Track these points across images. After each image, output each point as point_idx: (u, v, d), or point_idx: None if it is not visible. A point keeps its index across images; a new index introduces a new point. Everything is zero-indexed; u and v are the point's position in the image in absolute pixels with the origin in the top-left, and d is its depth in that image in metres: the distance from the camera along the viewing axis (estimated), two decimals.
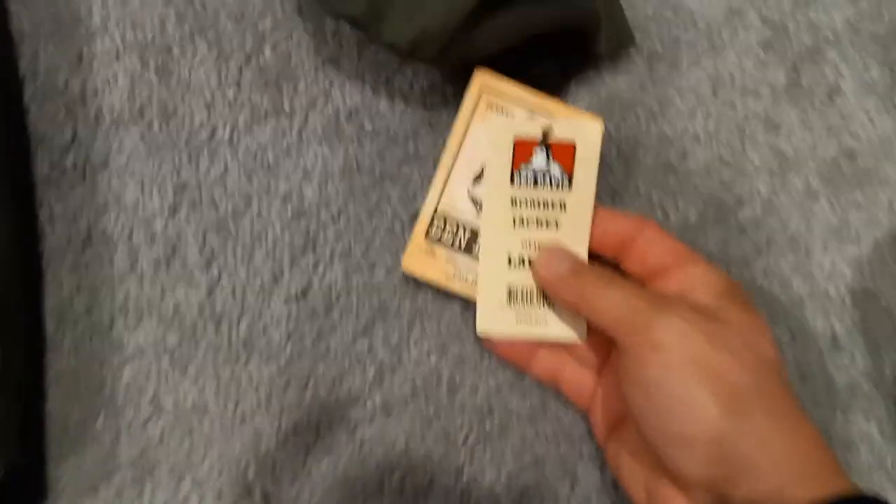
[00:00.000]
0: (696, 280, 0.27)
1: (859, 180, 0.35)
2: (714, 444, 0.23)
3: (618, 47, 0.33)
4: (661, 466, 0.25)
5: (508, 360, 0.31)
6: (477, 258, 0.29)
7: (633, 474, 0.27)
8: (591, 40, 0.31)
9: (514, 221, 0.29)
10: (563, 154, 0.29)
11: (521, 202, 0.29)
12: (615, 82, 0.34)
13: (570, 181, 0.29)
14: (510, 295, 0.28)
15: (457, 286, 0.29)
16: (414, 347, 0.31)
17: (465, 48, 0.28)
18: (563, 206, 0.29)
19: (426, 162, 0.33)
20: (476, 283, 0.29)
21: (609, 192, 0.34)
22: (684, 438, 0.24)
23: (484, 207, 0.29)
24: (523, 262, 0.29)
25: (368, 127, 0.32)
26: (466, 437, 0.31)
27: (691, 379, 0.24)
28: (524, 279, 0.29)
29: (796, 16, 0.36)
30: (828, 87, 0.35)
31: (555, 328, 0.29)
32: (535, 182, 0.29)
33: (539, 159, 0.29)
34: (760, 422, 0.24)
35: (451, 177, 0.30)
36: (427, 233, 0.30)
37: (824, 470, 0.24)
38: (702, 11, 0.35)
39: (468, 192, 0.30)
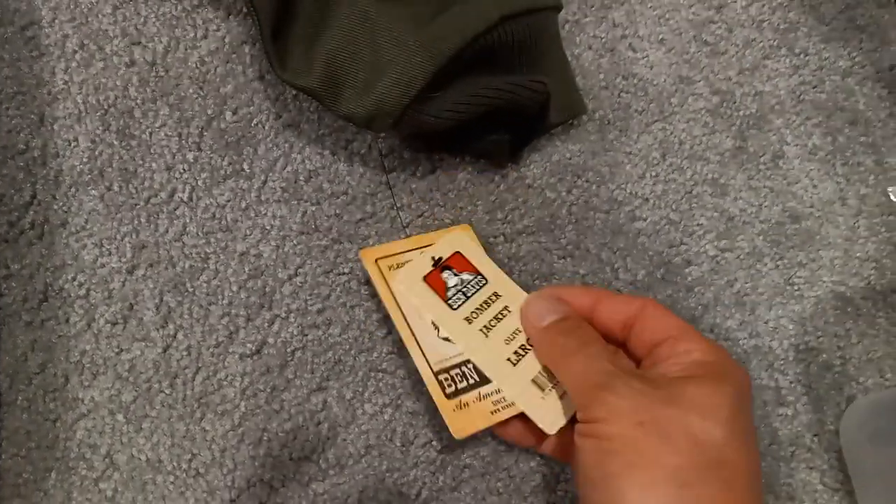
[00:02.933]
0: (672, 355, 0.33)
1: (803, 241, 0.44)
2: None
3: (570, 117, 0.43)
4: None
5: (519, 444, 0.38)
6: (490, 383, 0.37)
7: None
8: (543, 112, 0.41)
9: (484, 331, 0.37)
10: (459, 263, 0.39)
11: (472, 316, 0.38)
12: (567, 148, 0.44)
13: (482, 277, 0.39)
14: (539, 386, 0.36)
15: (505, 414, 0.36)
16: (368, 403, 0.39)
17: (419, 121, 0.37)
18: (496, 294, 0.39)
19: (383, 221, 0.41)
20: (514, 401, 0.36)
21: (561, 253, 0.42)
22: (587, 500, 0.30)
23: (456, 342, 0.37)
24: (518, 354, 0.37)
25: (327, 188, 0.41)
26: (419, 493, 0.38)
27: (613, 458, 0.30)
28: (535, 364, 0.36)
29: (743, 84, 0.46)
30: (773, 153, 0.45)
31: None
32: (465, 295, 0.38)
33: (451, 279, 0.39)
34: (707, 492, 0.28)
35: (418, 338, 0.37)
36: (445, 394, 0.36)
37: None
38: (652, 80, 0.45)
39: (438, 338, 0.37)
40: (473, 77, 0.38)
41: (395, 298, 0.38)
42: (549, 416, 0.35)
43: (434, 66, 0.36)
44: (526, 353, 0.37)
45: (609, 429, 0.30)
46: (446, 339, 0.37)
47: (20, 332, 0.38)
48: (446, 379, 0.36)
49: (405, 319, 0.37)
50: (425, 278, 0.38)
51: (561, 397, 0.35)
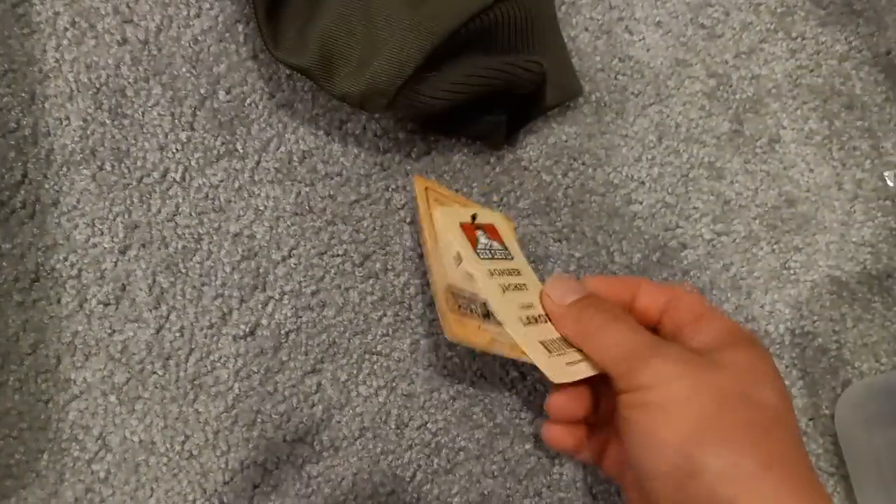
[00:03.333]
0: (704, 328, 0.34)
1: (799, 225, 0.44)
2: (693, 483, 0.29)
3: (566, 99, 0.43)
4: None
5: (561, 449, 0.38)
6: (498, 323, 0.36)
7: None
8: (539, 94, 0.41)
9: (503, 289, 0.37)
10: (493, 232, 0.40)
11: (495, 273, 0.38)
12: (563, 131, 0.44)
13: (509, 252, 0.39)
14: (547, 348, 0.36)
15: (502, 350, 0.35)
16: (362, 385, 0.39)
17: (414, 102, 0.37)
18: (518, 272, 0.39)
19: (378, 203, 0.41)
20: (512, 347, 0.36)
21: (557, 236, 0.43)
22: (662, 475, 0.30)
23: (477, 279, 0.37)
24: (530, 320, 0.36)
25: (321, 169, 0.41)
26: (414, 475, 0.39)
27: (672, 419, 0.30)
28: (545, 333, 0.36)
29: (739, 67, 0.46)
30: (769, 136, 0.46)
31: (591, 362, 0.36)
32: (492, 255, 0.38)
33: (482, 238, 0.39)
34: (745, 464, 0.29)
35: (441, 261, 0.37)
36: (454, 307, 0.35)
37: None
38: (648, 62, 0.46)
39: (457, 269, 0.37)
40: (469, 57, 0.38)
41: (431, 220, 0.38)
42: (554, 369, 0.35)
43: (429, 45, 0.36)
44: (538, 322, 0.37)
45: (663, 394, 0.31)
46: (468, 276, 0.37)
47: (11, 312, 0.38)
48: (456, 300, 0.36)
49: (435, 238, 0.37)
50: (461, 225, 0.38)
51: (568, 364, 0.35)
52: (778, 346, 0.43)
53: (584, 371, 0.35)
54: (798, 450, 0.31)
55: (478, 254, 0.38)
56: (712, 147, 0.45)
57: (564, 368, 0.35)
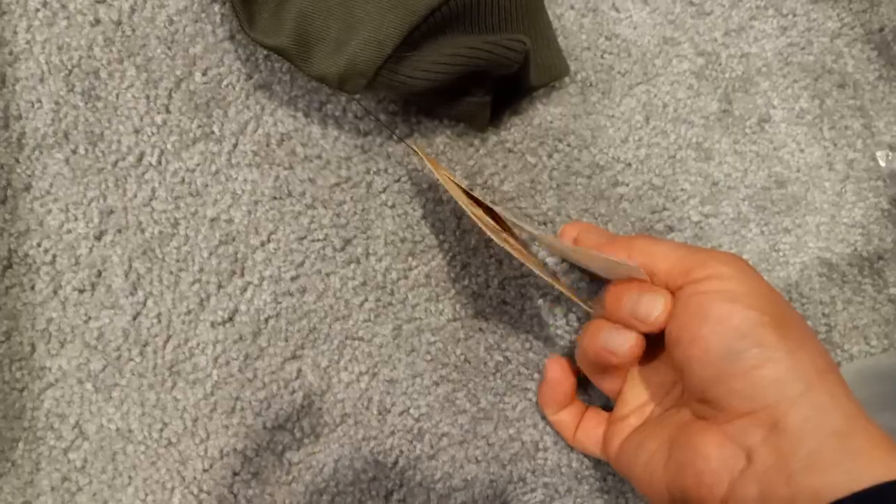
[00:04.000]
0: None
1: (788, 206, 0.44)
2: (775, 357, 0.30)
3: (551, 79, 0.43)
4: (687, 405, 0.34)
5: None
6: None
7: (645, 447, 0.35)
8: (522, 73, 0.41)
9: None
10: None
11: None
12: (548, 111, 0.44)
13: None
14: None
15: (507, 246, 0.36)
16: (344, 371, 0.39)
17: (394, 82, 0.37)
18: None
19: (359, 186, 0.41)
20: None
21: (542, 219, 0.42)
22: (744, 350, 0.30)
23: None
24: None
25: (300, 152, 0.41)
26: (396, 461, 0.39)
27: (754, 304, 0.31)
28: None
29: (728, 45, 0.46)
30: (759, 116, 0.45)
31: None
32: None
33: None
34: (816, 360, 0.30)
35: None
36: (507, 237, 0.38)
37: (888, 435, 0.29)
38: (635, 40, 0.45)
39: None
40: (450, 36, 0.38)
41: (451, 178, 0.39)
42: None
43: (408, 24, 0.35)
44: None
45: (745, 280, 0.32)
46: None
47: None
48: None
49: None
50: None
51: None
52: None
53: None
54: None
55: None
56: (700, 127, 0.45)
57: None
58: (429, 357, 0.40)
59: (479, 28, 0.39)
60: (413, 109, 0.42)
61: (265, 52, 0.41)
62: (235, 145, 0.41)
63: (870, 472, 0.27)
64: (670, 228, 0.43)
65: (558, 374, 0.40)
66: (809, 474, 0.28)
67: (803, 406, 0.29)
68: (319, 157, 0.41)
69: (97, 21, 0.40)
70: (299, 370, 0.39)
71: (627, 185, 0.44)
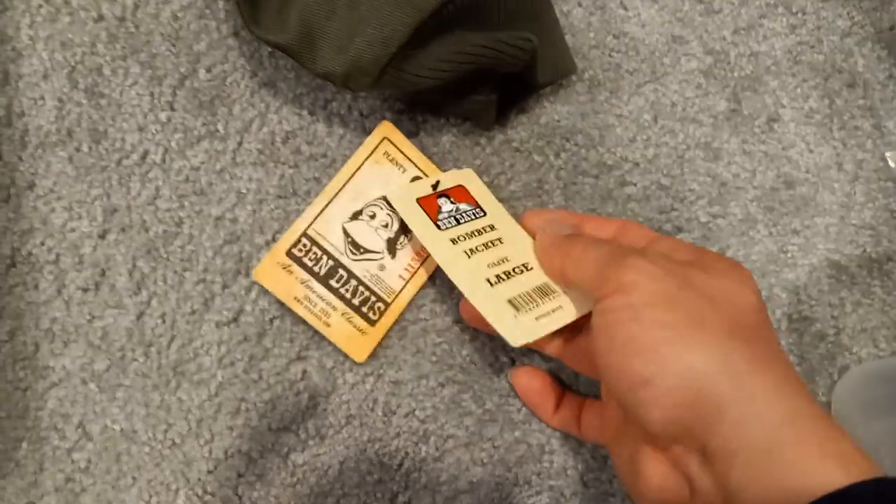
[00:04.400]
0: (662, 247, 0.34)
1: (797, 207, 0.44)
2: (678, 383, 0.28)
3: (559, 78, 0.43)
4: (635, 427, 0.31)
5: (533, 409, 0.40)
6: (332, 288, 0.39)
7: (621, 450, 0.33)
8: (529, 71, 0.40)
9: (467, 253, 0.38)
10: (460, 194, 0.40)
11: (459, 239, 0.38)
12: (555, 110, 0.43)
13: (481, 209, 0.40)
14: (515, 306, 0.36)
15: (301, 310, 0.38)
16: (349, 373, 0.39)
17: (400, 80, 0.36)
18: (491, 227, 0.39)
19: None
20: (344, 316, 0.39)
21: None
22: (646, 379, 0.28)
23: (439, 260, 0.37)
24: (500, 277, 0.37)
25: (305, 150, 0.41)
26: (402, 463, 0.39)
27: (656, 318, 0.29)
28: (516, 288, 0.37)
29: (737, 44, 0.46)
30: (768, 116, 0.45)
31: (570, 307, 0.36)
32: (458, 221, 0.39)
33: (446, 205, 0.39)
34: (735, 362, 0.28)
35: (331, 206, 0.40)
36: (289, 250, 0.39)
37: (830, 434, 0.26)
38: (644, 39, 0.45)
39: (343, 226, 0.40)
40: (456, 34, 0.38)
41: (356, 171, 0.41)
42: (517, 331, 0.35)
43: (414, 21, 0.35)
44: (509, 278, 0.37)
45: (647, 292, 0.30)
46: (346, 235, 0.40)
47: None
48: (305, 247, 0.40)
49: (340, 189, 0.40)
50: (419, 200, 0.39)
51: (536, 319, 0.35)
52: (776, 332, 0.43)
53: (559, 319, 0.36)
54: (781, 352, 0.30)
55: (438, 226, 0.38)
56: (709, 127, 0.45)
57: (532, 325, 0.35)
58: (434, 359, 0.40)
59: (487, 25, 0.39)
60: (419, 107, 0.42)
61: (270, 50, 0.41)
62: (240, 143, 0.41)
63: (803, 486, 0.25)
64: (679, 229, 0.43)
65: (525, 382, 0.40)
66: (745, 496, 0.27)
67: (724, 424, 0.27)
68: (325, 155, 0.41)
69: (100, 17, 0.40)
70: (304, 371, 0.39)
71: (635, 184, 0.43)
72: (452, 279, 0.36)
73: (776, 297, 0.43)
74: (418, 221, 0.38)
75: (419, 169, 0.41)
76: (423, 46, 0.37)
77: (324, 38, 0.36)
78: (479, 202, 0.40)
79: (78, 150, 0.40)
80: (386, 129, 0.41)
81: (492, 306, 0.35)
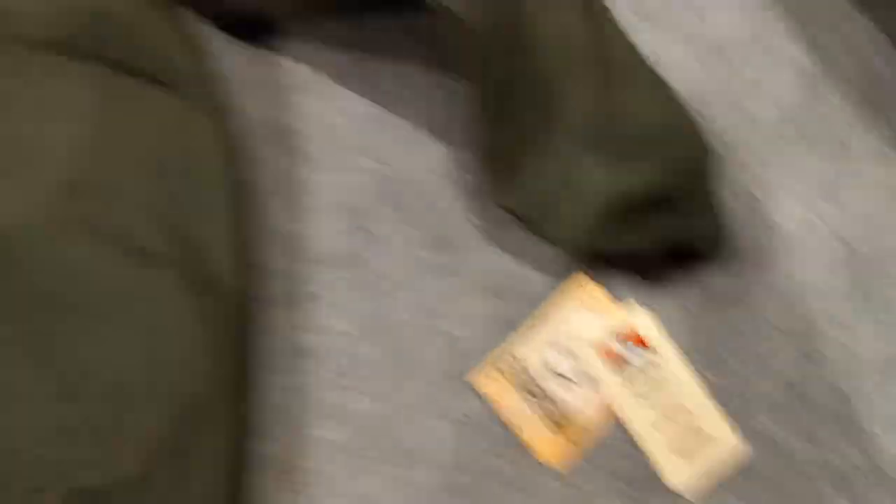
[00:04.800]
0: None
1: None
2: None
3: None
4: None
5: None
6: (530, 403, 0.48)
7: None
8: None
9: (638, 397, 0.48)
10: (632, 339, 0.50)
11: (630, 383, 0.49)
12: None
13: (656, 355, 0.50)
14: (675, 449, 0.47)
15: (504, 415, 0.48)
16: (542, 476, 0.48)
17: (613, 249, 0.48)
18: (659, 371, 0.49)
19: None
20: (541, 424, 0.48)
21: None
22: None
23: (615, 401, 0.48)
24: (670, 420, 0.47)
25: (518, 287, 0.52)
26: None
27: None
28: (675, 432, 0.47)
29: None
30: None
31: (718, 446, 0.47)
32: (628, 363, 0.49)
33: (626, 348, 0.50)
34: None
35: (535, 335, 0.50)
36: (499, 365, 0.49)
37: None
38: None
39: (545, 356, 0.50)
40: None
41: (559, 312, 0.51)
42: (681, 475, 0.46)
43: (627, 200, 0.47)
44: (678, 422, 0.47)
45: None
46: (545, 366, 0.50)
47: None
48: (512, 366, 0.50)
49: (546, 325, 0.51)
50: (603, 343, 0.50)
51: (702, 464, 0.46)
52: None
53: (723, 465, 0.45)
54: None
55: (617, 367, 0.49)
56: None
57: (698, 470, 0.45)
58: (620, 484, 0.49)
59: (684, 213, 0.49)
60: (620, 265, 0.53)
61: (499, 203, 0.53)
62: (466, 275, 0.52)
63: None
64: None
65: None
66: None
67: None
68: (533, 291, 0.52)
69: (367, 170, 0.53)
70: (501, 470, 0.49)
71: None
72: (624, 419, 0.47)
73: None
74: (599, 364, 0.49)
75: (608, 315, 0.51)
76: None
77: (553, 212, 0.47)
78: (655, 348, 0.50)
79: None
80: (584, 278, 0.51)
81: (657, 449, 0.46)
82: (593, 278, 0.52)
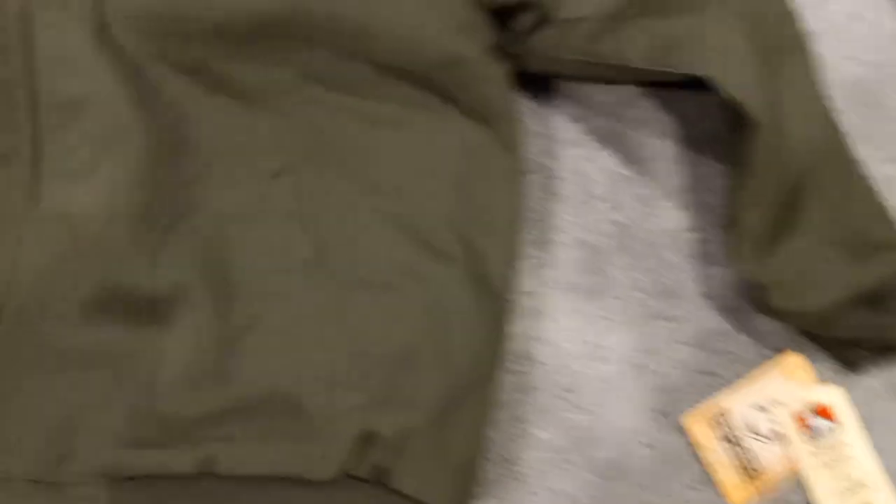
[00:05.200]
0: None
1: None
2: None
3: None
4: None
5: None
6: (727, 450, 0.55)
7: None
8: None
9: (825, 467, 0.54)
10: (824, 413, 0.56)
11: (818, 452, 0.54)
12: None
13: (845, 433, 0.55)
14: None
15: (703, 454, 0.54)
16: None
17: None
18: (845, 446, 0.54)
19: None
20: (733, 470, 0.55)
21: None
22: None
23: (802, 467, 0.54)
24: (847, 493, 0.53)
25: (733, 349, 0.58)
26: None
27: None
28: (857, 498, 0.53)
29: None
30: None
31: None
32: (819, 435, 0.55)
33: (816, 420, 0.55)
34: None
35: (742, 394, 0.56)
36: (707, 414, 0.55)
37: None
38: None
39: (747, 414, 0.56)
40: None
41: (766, 379, 0.57)
42: None
43: None
44: (856, 495, 0.53)
45: None
46: (744, 422, 0.56)
47: None
48: (720, 417, 0.56)
49: (752, 386, 0.57)
50: (798, 415, 0.56)
51: None
52: None
53: None
54: None
55: (807, 436, 0.55)
56: None
57: None
58: None
59: None
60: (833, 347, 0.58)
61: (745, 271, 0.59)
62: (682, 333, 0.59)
63: None
64: None
65: None
66: None
67: None
68: (744, 355, 0.58)
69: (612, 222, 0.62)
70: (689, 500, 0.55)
71: None
72: (808, 484, 0.53)
73: None
74: (793, 430, 0.55)
75: (808, 390, 0.57)
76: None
77: (800, 289, 0.54)
78: (840, 421, 0.55)
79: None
80: (793, 354, 0.57)
81: None
82: (801, 355, 0.57)
